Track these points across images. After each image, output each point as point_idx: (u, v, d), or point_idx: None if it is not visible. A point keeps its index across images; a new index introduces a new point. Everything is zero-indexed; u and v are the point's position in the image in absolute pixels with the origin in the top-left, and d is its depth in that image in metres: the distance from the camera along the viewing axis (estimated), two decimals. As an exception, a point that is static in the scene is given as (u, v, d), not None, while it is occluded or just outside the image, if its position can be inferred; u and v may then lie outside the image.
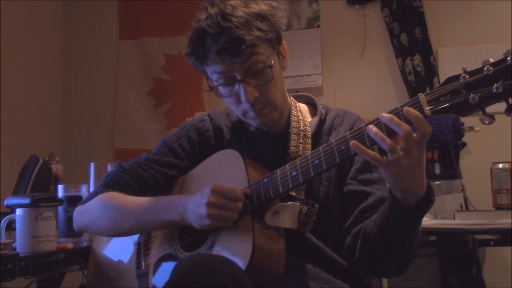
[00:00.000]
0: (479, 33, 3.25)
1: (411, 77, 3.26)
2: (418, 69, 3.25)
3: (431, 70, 3.26)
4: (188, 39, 1.45)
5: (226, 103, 1.53)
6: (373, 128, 1.19)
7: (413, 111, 1.17)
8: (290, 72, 3.47)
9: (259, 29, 1.39)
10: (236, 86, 1.43)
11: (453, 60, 3.23)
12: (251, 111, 1.46)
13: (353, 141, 1.22)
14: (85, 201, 1.59)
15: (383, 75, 3.43)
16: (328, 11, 3.55)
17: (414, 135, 1.17)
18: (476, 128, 2.69)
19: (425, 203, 1.26)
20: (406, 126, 1.17)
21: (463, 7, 3.31)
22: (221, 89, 1.47)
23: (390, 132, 1.19)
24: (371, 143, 1.22)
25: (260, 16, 1.40)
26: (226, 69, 1.41)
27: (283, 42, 1.50)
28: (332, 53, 3.53)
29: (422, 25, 3.30)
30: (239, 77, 1.41)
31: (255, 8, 1.41)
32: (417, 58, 3.26)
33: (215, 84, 1.47)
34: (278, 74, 1.48)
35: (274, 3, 1.47)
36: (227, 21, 1.37)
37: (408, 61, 3.28)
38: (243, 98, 1.42)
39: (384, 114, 1.20)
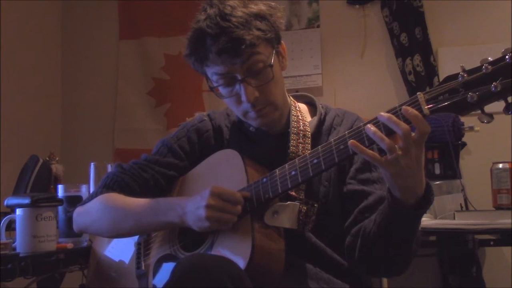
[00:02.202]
0: (479, 33, 3.25)
1: (411, 77, 3.26)
2: (418, 69, 3.25)
3: (431, 70, 3.26)
4: (188, 40, 1.45)
5: (226, 104, 1.53)
6: (371, 128, 1.19)
7: (411, 110, 1.17)
8: (290, 72, 3.47)
9: (258, 29, 1.39)
10: (237, 87, 1.43)
11: (453, 60, 3.22)
12: (252, 111, 1.46)
13: (351, 140, 1.22)
14: (85, 202, 1.59)
15: (383, 75, 3.43)
16: (328, 11, 3.55)
17: (413, 134, 1.17)
18: (476, 128, 2.69)
19: (424, 202, 1.26)
20: (404, 126, 1.16)
21: (463, 7, 3.31)
22: (222, 90, 1.47)
23: (389, 132, 1.19)
24: (370, 142, 1.22)
25: (259, 16, 1.40)
26: (226, 70, 1.41)
27: (282, 42, 1.50)
28: (332, 53, 3.53)
29: (422, 25, 3.30)
30: (239, 77, 1.41)
31: (254, 8, 1.41)
32: (417, 58, 3.26)
33: (215, 84, 1.47)
34: (278, 74, 1.48)
35: (273, 3, 1.47)
36: (226, 21, 1.37)
37: (408, 61, 3.28)
38: (243, 98, 1.42)
39: (382, 114, 1.19)
